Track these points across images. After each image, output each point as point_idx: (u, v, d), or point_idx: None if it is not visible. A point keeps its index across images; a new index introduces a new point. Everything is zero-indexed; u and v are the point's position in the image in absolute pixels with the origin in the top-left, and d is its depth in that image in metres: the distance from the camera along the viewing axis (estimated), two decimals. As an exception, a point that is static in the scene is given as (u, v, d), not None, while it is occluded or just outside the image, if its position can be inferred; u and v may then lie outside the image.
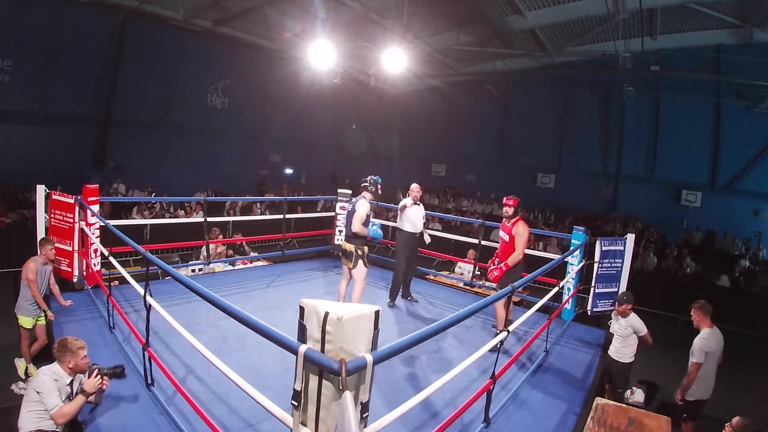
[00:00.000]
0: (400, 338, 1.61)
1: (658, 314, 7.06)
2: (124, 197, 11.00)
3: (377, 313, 1.34)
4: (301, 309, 1.33)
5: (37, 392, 2.50)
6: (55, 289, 4.26)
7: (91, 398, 2.64)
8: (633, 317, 3.94)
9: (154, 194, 11.09)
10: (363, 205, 4.44)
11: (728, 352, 3.63)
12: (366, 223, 4.41)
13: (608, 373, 4.02)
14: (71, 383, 2.66)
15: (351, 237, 4.47)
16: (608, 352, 4.09)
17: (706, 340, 3.50)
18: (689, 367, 3.58)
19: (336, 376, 1.21)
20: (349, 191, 7.12)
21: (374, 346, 1.35)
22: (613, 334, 4.05)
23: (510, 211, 4.46)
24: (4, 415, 2.80)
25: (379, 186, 4.68)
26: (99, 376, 2.58)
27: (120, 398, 2.87)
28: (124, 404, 2.79)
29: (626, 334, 3.92)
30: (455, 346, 4.14)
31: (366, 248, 4.51)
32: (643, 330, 3.90)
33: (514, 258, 4.34)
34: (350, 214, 4.49)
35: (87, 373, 2.63)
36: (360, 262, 4.42)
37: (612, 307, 4.90)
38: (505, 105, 16.63)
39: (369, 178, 4.66)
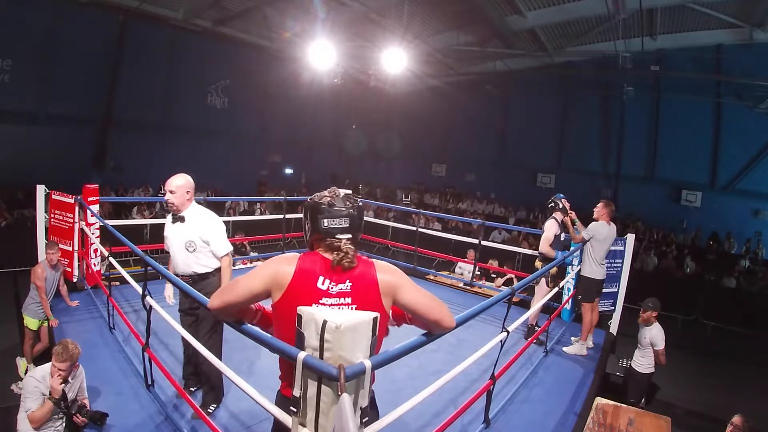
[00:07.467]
0: (399, 339, 1.62)
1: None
2: (121, 197, 10.98)
3: (375, 320, 1.34)
4: (299, 316, 1.32)
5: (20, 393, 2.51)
6: (64, 290, 4.31)
7: (78, 422, 2.59)
8: (654, 328, 3.86)
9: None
10: (549, 226, 4.38)
11: (729, 352, 3.64)
12: (554, 244, 4.34)
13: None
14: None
15: (540, 255, 4.48)
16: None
17: (598, 228, 4.12)
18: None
19: (335, 382, 1.21)
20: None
21: (372, 352, 1.36)
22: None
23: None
24: (4, 415, 2.81)
25: (563, 201, 4.45)
26: (78, 407, 2.56)
27: (120, 398, 2.87)
28: (124, 404, 2.79)
29: (645, 344, 3.87)
30: (455, 346, 4.13)
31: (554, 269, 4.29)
32: (659, 345, 3.80)
33: None
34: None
35: (74, 403, 2.59)
36: (543, 280, 4.40)
37: (612, 308, 4.90)
38: (505, 105, 16.63)
39: (552, 198, 4.52)
